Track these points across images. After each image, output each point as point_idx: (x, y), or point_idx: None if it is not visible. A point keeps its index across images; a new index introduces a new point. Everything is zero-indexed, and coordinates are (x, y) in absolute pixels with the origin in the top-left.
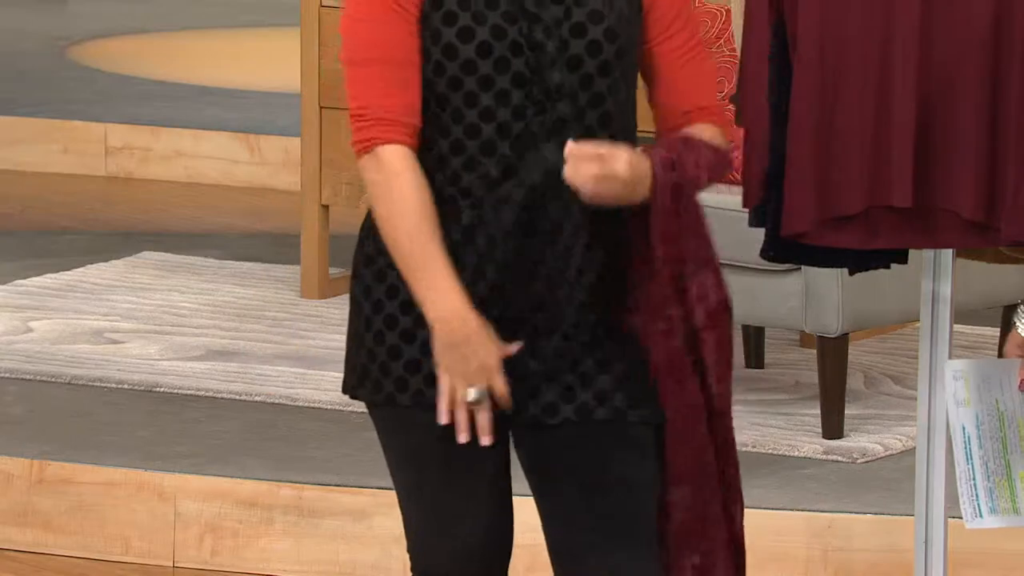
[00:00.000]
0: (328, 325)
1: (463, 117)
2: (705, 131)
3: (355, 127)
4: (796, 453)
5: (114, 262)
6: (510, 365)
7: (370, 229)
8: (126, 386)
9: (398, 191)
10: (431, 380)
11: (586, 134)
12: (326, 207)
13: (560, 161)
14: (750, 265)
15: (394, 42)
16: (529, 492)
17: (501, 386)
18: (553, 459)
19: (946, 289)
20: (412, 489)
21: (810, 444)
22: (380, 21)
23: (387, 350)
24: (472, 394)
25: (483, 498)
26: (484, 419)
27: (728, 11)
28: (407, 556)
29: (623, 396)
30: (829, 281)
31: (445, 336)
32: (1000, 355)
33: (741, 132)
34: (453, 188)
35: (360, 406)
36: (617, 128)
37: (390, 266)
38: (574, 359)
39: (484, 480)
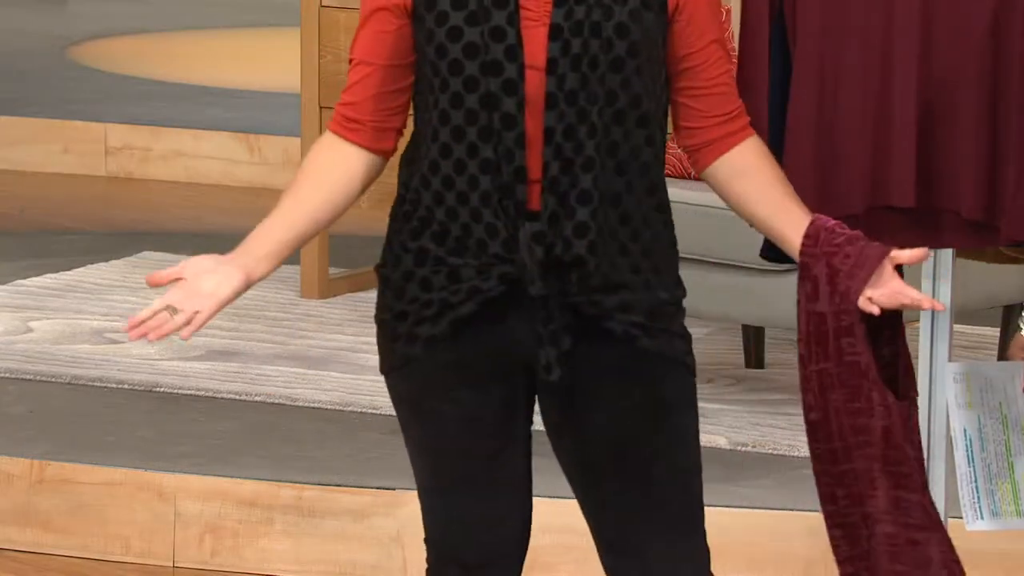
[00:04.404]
0: (328, 325)
1: (449, 120)
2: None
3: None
4: (796, 453)
5: (114, 262)
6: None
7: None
8: (126, 386)
9: (311, 159)
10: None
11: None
12: None
13: None
14: (750, 265)
15: (379, 49)
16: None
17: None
18: (595, 445)
19: (946, 289)
20: (428, 482)
21: None
22: (372, 28)
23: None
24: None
25: (501, 504)
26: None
27: (728, 11)
28: (407, 555)
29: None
30: None
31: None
32: (1001, 357)
33: None
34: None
35: (359, 406)
36: (626, 134)
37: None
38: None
39: (501, 485)
